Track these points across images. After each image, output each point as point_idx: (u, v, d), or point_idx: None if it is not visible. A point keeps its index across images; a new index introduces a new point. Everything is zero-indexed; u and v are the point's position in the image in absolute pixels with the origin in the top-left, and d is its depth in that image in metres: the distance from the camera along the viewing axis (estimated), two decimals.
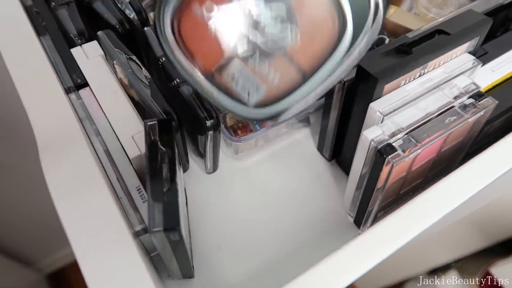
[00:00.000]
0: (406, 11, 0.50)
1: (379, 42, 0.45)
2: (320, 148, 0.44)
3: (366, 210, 0.36)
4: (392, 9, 0.50)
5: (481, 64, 0.36)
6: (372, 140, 0.31)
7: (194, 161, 0.42)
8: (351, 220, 0.40)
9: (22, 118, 0.34)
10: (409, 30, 0.48)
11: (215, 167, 0.40)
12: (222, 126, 0.39)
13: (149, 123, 0.27)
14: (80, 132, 0.29)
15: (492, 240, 0.86)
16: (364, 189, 0.35)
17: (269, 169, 0.43)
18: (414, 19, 0.49)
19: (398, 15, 0.49)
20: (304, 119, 0.43)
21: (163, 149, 0.26)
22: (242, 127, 0.41)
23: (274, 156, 0.44)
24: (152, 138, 0.27)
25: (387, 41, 0.45)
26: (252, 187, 0.42)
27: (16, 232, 0.98)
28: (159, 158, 0.26)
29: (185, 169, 0.40)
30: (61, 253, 1.16)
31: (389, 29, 0.50)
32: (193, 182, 0.41)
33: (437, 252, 0.90)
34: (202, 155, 0.39)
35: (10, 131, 0.77)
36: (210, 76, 0.19)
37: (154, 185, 0.25)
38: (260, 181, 0.42)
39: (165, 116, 0.32)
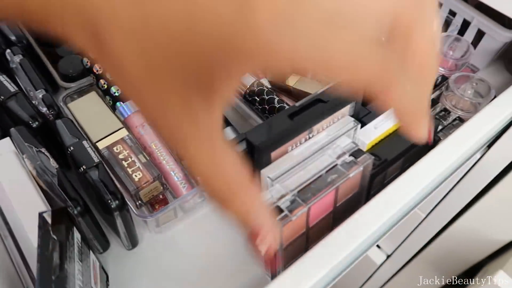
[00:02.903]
0: (309, 79, 0.56)
1: None
2: None
3: (276, 270, 0.39)
4: (296, 78, 0.55)
5: (360, 125, 0.40)
6: (267, 200, 0.34)
7: (115, 239, 0.44)
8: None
9: None
10: None
11: (133, 243, 0.42)
12: (139, 203, 0.42)
13: (42, 214, 0.29)
14: None
15: (450, 276, 0.88)
16: None
17: (192, 238, 0.45)
18: (316, 85, 0.54)
19: (301, 83, 0.55)
20: None
21: (55, 237, 0.28)
22: (159, 201, 0.44)
23: (196, 224, 0.46)
24: (46, 227, 0.29)
25: None
26: (175, 258, 0.43)
27: None
28: (50, 246, 0.28)
29: (105, 248, 0.42)
30: None
31: (295, 95, 0.55)
32: (115, 259, 0.42)
33: None
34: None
35: None
36: None
37: (43, 273, 0.26)
38: (183, 251, 0.44)
39: (69, 202, 0.34)
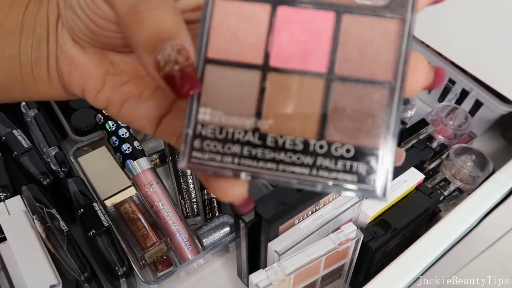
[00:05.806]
0: None
1: None
2: (239, 274, 0.47)
3: None
4: None
5: (365, 198, 0.41)
6: (256, 284, 0.34)
7: None
8: None
9: None
10: None
11: None
12: (143, 263, 0.42)
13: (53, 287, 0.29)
14: None
15: None
16: None
17: None
18: None
19: None
20: (223, 248, 0.46)
21: None
22: (163, 261, 0.44)
23: (197, 285, 0.46)
24: None
25: None
26: None
27: None
28: None
29: None
30: None
31: None
32: None
33: None
34: None
35: None
36: None
37: None
38: None
39: (77, 268, 0.35)
